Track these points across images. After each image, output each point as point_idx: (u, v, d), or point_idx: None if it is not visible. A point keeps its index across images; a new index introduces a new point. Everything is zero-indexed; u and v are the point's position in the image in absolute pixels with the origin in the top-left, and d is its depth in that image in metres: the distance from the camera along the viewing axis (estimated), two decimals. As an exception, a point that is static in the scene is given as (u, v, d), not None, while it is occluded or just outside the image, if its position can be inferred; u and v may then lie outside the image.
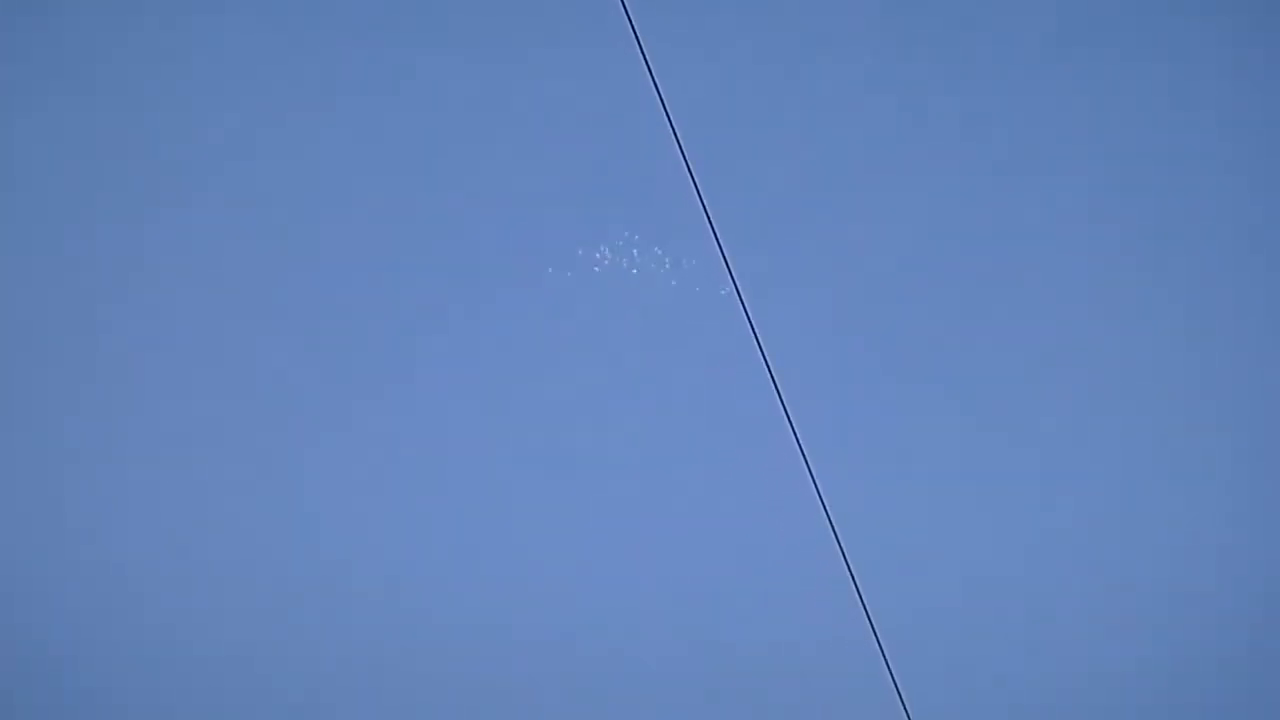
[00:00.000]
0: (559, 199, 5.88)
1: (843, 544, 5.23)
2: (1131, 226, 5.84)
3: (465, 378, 5.86)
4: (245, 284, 5.84)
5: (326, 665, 5.78)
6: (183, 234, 5.83)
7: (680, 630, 5.75)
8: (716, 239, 5.49)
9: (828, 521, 5.26)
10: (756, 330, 5.41)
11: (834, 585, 5.24)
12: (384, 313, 5.88)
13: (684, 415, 5.83)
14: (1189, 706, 5.69)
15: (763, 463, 5.64)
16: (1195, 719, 5.68)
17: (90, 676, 5.71)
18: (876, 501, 5.66)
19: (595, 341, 5.87)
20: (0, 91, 5.81)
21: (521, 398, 5.84)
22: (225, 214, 5.84)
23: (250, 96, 5.85)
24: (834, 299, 5.85)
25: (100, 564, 5.71)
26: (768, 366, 5.42)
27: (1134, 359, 5.80)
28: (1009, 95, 5.85)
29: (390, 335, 5.88)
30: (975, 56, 5.85)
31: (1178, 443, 5.76)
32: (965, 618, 5.68)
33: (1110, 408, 5.78)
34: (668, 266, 5.84)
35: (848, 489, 5.36)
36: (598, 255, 5.88)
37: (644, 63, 5.31)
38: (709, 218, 5.40)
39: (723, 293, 5.60)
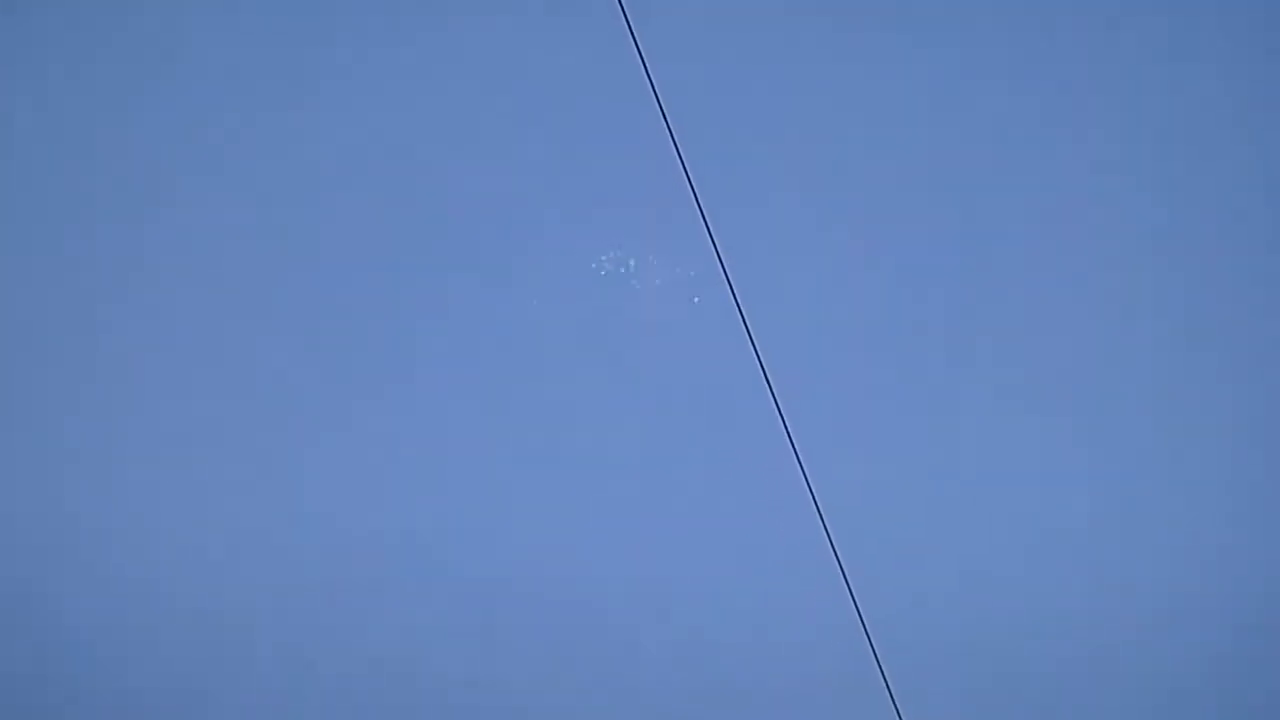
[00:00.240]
0: (560, 200, 5.88)
1: (836, 545, 5.24)
2: (1132, 226, 5.83)
3: (465, 378, 5.87)
4: (245, 284, 5.84)
5: (327, 665, 5.80)
6: (183, 234, 5.83)
7: (675, 628, 5.76)
8: (713, 240, 5.49)
9: (821, 522, 5.27)
10: (752, 332, 5.41)
11: (828, 586, 5.25)
12: (384, 312, 5.88)
13: (681, 416, 5.83)
14: (1189, 707, 5.68)
15: (759, 464, 5.65)
16: (1195, 719, 5.68)
17: (90, 676, 5.73)
18: (871, 502, 5.66)
19: (595, 342, 5.87)
20: (0, 92, 5.82)
21: (521, 398, 5.85)
22: (225, 214, 5.85)
23: (250, 96, 5.85)
24: (832, 299, 5.85)
25: (100, 564, 5.72)
26: (762, 368, 5.42)
27: (1134, 358, 5.78)
28: (1010, 95, 5.83)
29: (390, 335, 5.88)
30: (976, 56, 5.83)
31: (1177, 442, 5.75)
32: (961, 618, 5.68)
33: (1109, 407, 5.77)
34: (666, 268, 5.85)
35: (843, 489, 5.37)
36: (598, 256, 5.88)
37: (643, 62, 5.31)
38: (705, 219, 5.40)
39: (720, 294, 5.60)
